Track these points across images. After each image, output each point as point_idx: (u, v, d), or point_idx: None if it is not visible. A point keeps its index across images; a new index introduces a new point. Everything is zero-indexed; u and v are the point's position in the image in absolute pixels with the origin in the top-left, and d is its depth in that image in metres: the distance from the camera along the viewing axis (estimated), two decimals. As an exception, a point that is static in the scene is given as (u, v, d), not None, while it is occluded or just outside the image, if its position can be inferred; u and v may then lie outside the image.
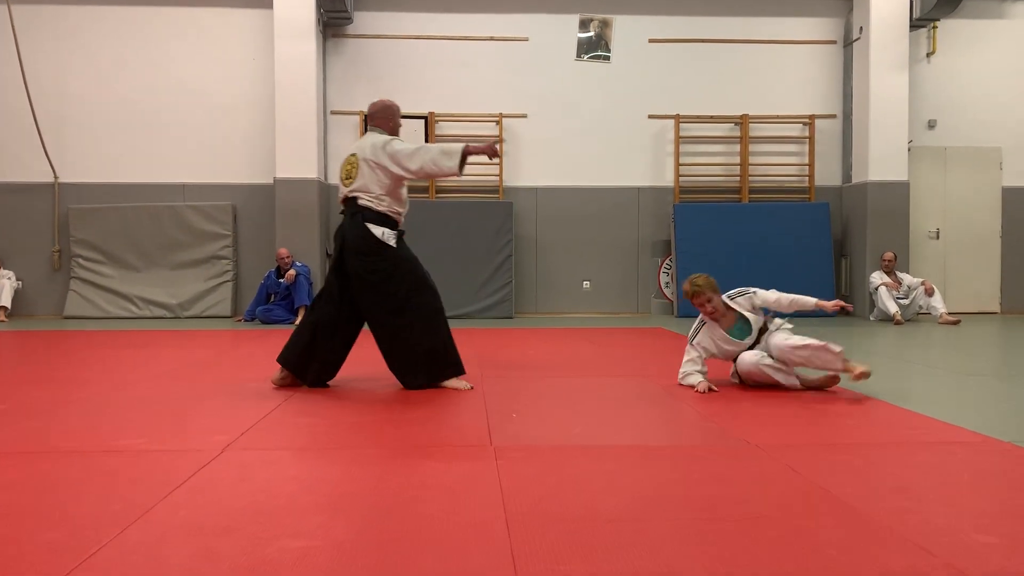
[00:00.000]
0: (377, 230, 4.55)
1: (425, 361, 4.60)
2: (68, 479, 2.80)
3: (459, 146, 4.44)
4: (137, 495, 2.56)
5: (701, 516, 2.41)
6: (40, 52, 10.41)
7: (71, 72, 10.53)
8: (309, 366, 4.65)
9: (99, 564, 2.00)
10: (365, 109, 10.33)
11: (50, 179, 10.47)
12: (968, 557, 2.04)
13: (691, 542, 2.18)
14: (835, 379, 4.58)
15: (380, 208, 4.56)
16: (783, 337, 4.54)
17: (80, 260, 10.42)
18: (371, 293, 4.59)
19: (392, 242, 4.58)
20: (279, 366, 4.71)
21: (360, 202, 4.57)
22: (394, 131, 4.79)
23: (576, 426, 3.69)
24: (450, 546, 2.12)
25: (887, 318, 9.65)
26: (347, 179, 4.63)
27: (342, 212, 4.71)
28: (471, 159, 4.50)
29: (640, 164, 10.94)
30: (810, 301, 4.69)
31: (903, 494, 2.62)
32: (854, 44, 10.74)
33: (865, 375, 4.36)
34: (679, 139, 10.83)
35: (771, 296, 4.72)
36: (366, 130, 4.87)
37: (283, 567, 1.97)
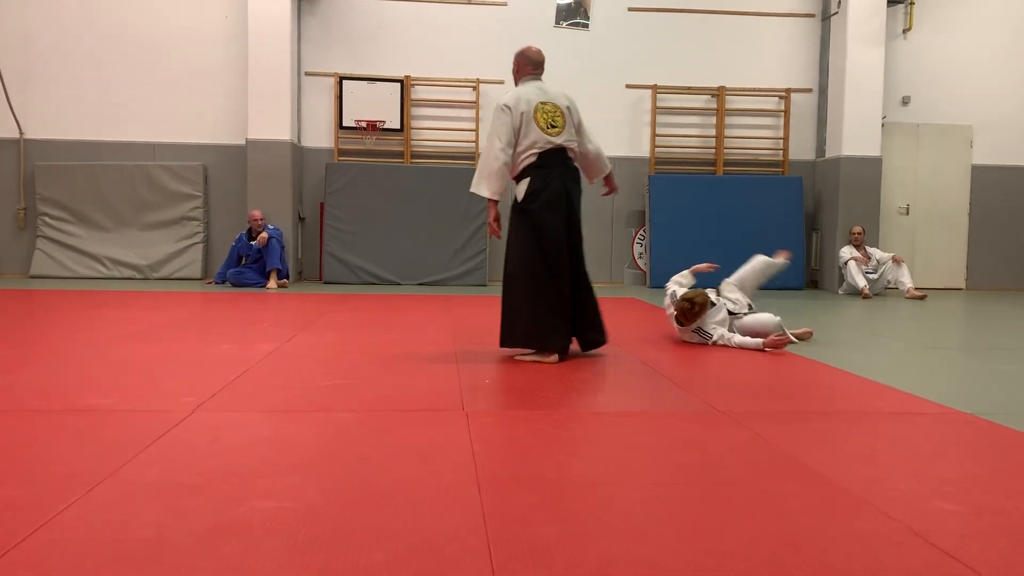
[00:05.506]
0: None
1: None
2: (34, 438, 2.76)
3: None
4: (105, 454, 2.54)
5: (671, 481, 2.44)
6: (4, 4, 10.11)
7: (37, 25, 10.23)
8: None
9: (66, 522, 1.98)
10: (340, 71, 10.38)
11: (15, 135, 10.23)
12: (930, 523, 2.09)
13: (661, 506, 2.20)
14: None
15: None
16: (738, 340, 5.03)
17: (47, 219, 10.22)
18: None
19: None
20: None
21: (569, 153, 4.65)
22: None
23: (548, 393, 3.71)
24: (422, 508, 2.13)
25: (855, 292, 9.77)
26: (553, 128, 4.58)
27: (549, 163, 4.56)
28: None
29: (617, 134, 10.89)
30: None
31: (869, 462, 2.67)
32: (832, 18, 10.74)
33: (808, 334, 5.32)
34: (656, 110, 10.80)
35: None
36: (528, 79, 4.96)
37: (253, 526, 1.97)
